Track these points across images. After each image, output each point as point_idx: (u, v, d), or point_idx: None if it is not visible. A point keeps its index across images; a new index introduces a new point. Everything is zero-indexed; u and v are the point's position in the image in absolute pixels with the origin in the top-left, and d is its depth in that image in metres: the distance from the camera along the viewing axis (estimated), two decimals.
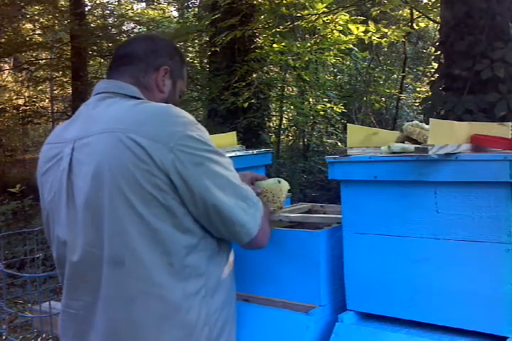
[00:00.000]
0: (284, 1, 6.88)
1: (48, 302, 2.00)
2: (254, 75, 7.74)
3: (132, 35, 10.55)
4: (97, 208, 1.12)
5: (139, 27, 11.13)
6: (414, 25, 7.77)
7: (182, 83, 1.37)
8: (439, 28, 4.69)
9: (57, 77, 11.72)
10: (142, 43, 1.31)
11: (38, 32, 11.04)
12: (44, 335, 3.02)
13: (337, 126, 9.11)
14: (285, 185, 1.42)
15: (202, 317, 1.15)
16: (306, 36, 8.62)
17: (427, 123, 1.32)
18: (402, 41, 7.99)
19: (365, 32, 6.91)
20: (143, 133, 1.10)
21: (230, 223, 1.16)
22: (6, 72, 14.55)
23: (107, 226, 1.12)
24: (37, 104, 12.92)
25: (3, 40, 9.60)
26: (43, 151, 1.28)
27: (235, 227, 1.16)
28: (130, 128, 1.11)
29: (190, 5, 11.27)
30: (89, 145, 1.15)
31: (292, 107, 8.91)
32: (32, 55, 11.28)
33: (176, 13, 13.73)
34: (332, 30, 7.46)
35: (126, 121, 1.13)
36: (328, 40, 7.68)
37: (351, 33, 7.26)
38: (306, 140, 8.84)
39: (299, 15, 6.95)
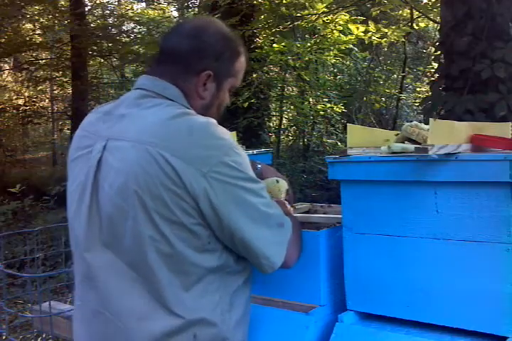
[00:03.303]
0: (284, 1, 6.88)
1: (47, 302, 2.00)
2: (254, 75, 7.74)
3: (133, 36, 10.57)
4: (120, 218, 1.10)
5: (139, 27, 11.13)
6: (414, 25, 7.77)
7: (233, 80, 1.26)
8: (439, 28, 4.69)
9: (57, 77, 11.72)
10: (187, 40, 1.19)
11: (38, 32, 11.03)
12: (44, 335, 3.02)
13: (337, 126, 9.11)
14: (283, 185, 1.42)
15: (222, 332, 1.14)
16: (306, 36, 8.63)
17: (427, 124, 1.32)
18: (402, 41, 8.00)
19: (365, 32, 6.92)
20: (177, 152, 1.05)
21: (254, 255, 1.14)
22: (6, 72, 14.56)
23: (126, 237, 1.09)
24: (37, 104, 12.94)
25: (3, 40, 9.59)
26: (78, 136, 1.24)
27: (259, 259, 1.15)
28: (164, 144, 1.06)
29: (190, 5, 11.27)
30: (121, 151, 1.11)
31: (292, 107, 8.92)
32: (32, 55, 11.28)
33: (176, 13, 13.74)
34: (332, 30, 7.47)
35: (160, 135, 1.08)
36: (328, 40, 7.69)
37: (351, 33, 7.27)
38: (306, 140, 8.85)
39: (299, 15, 6.95)
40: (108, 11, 12.05)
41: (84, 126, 1.24)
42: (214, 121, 1.14)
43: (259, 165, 1.46)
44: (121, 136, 1.12)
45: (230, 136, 1.13)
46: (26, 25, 11.13)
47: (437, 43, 4.35)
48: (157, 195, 1.05)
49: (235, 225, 1.09)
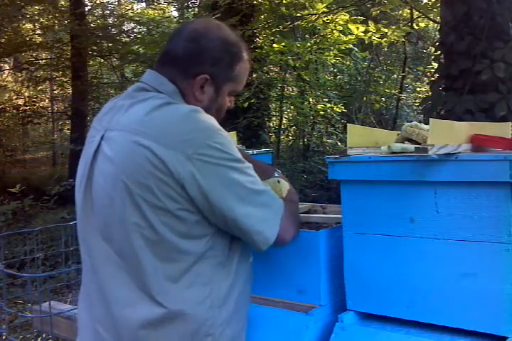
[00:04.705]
0: (284, 1, 6.88)
1: (47, 302, 2.00)
2: (254, 75, 7.74)
3: (133, 36, 10.57)
4: (109, 206, 1.13)
5: (139, 27, 11.13)
6: (414, 25, 7.77)
7: (233, 85, 1.27)
8: (439, 28, 4.69)
9: (57, 77, 11.73)
10: (186, 43, 1.22)
11: (38, 32, 11.04)
12: (44, 335, 3.02)
13: (337, 126, 9.12)
14: (285, 186, 1.41)
15: (205, 327, 1.14)
16: (306, 36, 8.63)
17: (427, 124, 1.32)
18: (402, 41, 8.00)
19: (365, 32, 6.92)
20: (160, 139, 1.08)
21: (247, 233, 1.15)
22: (6, 72, 14.57)
23: (115, 226, 1.13)
24: (37, 104, 12.95)
25: (3, 40, 9.60)
26: (91, 127, 1.28)
27: (252, 236, 1.16)
28: (147, 132, 1.10)
29: (190, 5, 11.27)
30: (113, 141, 1.15)
31: (292, 107, 8.92)
32: (32, 55, 11.29)
33: (176, 13, 13.74)
34: (332, 30, 7.48)
35: (144, 125, 1.11)
36: (328, 40, 7.69)
37: (351, 33, 7.27)
38: (306, 140, 8.85)
39: (299, 15, 6.95)
40: (108, 11, 12.06)
41: (96, 117, 1.30)
42: (198, 108, 1.15)
43: (277, 174, 1.46)
44: (115, 126, 1.17)
45: (214, 121, 1.15)
46: (26, 25, 11.14)
47: (437, 43, 4.35)
48: (143, 182, 1.08)
49: (225, 206, 1.11)
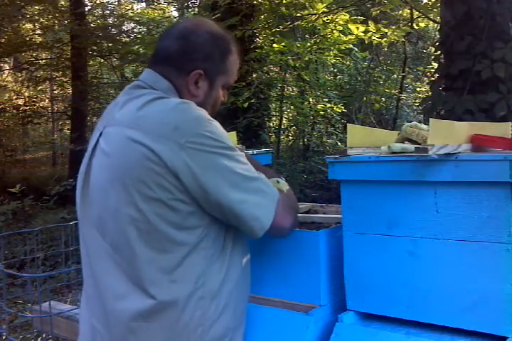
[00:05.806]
0: (284, 1, 6.88)
1: (48, 302, 2.00)
2: (254, 75, 7.74)
3: (133, 36, 10.58)
4: (104, 200, 1.15)
5: (139, 27, 11.14)
6: (414, 25, 7.77)
7: (225, 78, 1.30)
8: (439, 28, 4.69)
9: (57, 77, 11.74)
10: (176, 42, 1.24)
11: (38, 32, 11.05)
12: (44, 335, 3.02)
13: (337, 126, 9.12)
14: (284, 186, 1.41)
15: (196, 317, 1.14)
16: (306, 36, 8.63)
17: (427, 124, 1.32)
18: (402, 41, 8.00)
19: (365, 32, 6.92)
20: (152, 132, 1.10)
21: (243, 220, 1.16)
22: (6, 72, 14.58)
23: (109, 219, 1.15)
24: (37, 104, 12.96)
25: (3, 40, 9.61)
26: (95, 128, 1.31)
27: (248, 223, 1.16)
28: (141, 125, 1.12)
29: (190, 5, 11.27)
30: (108, 136, 1.18)
31: (292, 107, 8.92)
32: (32, 55, 11.30)
33: (176, 13, 13.75)
34: (332, 30, 7.48)
35: (135, 118, 1.14)
36: (328, 40, 7.69)
37: (351, 33, 7.27)
38: (306, 140, 8.85)
39: (299, 15, 6.95)
40: (108, 11, 12.08)
41: (100, 118, 1.32)
42: (188, 101, 1.18)
43: (282, 179, 1.47)
44: (111, 122, 1.20)
45: (204, 112, 1.16)
46: (26, 25, 11.15)
47: (437, 43, 4.35)
48: (137, 175, 1.10)
49: (220, 193, 1.12)
